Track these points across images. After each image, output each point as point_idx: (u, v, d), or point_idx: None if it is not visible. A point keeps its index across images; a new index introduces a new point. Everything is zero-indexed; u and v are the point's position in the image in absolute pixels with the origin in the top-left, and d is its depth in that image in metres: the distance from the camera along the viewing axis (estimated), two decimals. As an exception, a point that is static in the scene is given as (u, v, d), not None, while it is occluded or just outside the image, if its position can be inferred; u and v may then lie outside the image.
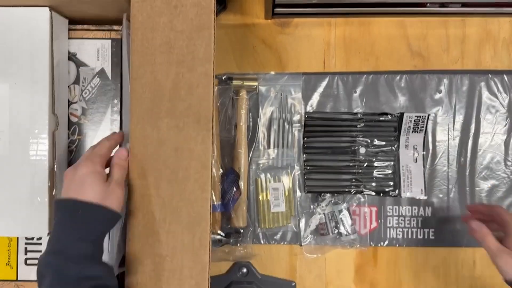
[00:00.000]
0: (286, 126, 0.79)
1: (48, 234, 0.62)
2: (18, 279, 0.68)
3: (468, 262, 0.78)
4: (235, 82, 0.77)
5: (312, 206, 0.79)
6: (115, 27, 0.69)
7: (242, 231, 0.77)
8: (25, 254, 0.68)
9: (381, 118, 0.79)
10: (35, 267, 0.67)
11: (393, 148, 0.79)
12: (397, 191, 0.79)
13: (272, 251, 0.79)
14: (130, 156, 0.58)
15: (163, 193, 0.57)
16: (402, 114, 0.78)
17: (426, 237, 0.79)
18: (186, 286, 0.57)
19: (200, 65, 0.57)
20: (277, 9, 0.75)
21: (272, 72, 0.79)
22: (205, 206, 0.57)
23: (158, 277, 0.57)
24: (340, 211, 0.77)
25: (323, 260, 0.79)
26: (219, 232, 0.76)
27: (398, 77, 0.79)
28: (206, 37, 0.57)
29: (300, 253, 0.79)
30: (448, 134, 0.79)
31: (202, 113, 0.57)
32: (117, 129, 0.69)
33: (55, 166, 0.63)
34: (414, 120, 0.78)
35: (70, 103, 0.69)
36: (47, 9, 0.62)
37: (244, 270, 0.78)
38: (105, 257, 0.67)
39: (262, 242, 0.79)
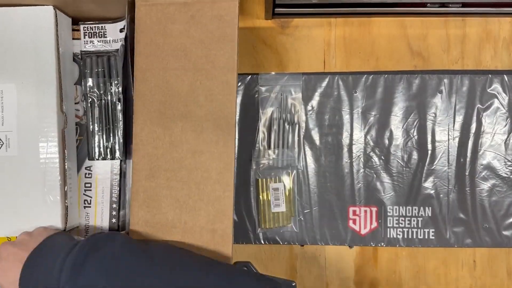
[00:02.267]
0: (286, 126, 0.79)
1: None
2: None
3: (468, 262, 0.78)
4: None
5: None
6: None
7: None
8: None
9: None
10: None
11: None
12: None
13: (272, 251, 0.79)
14: (134, 158, 0.58)
15: (177, 194, 0.58)
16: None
17: (426, 237, 0.79)
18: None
19: (222, 75, 0.58)
20: (277, 9, 0.75)
21: (272, 72, 0.79)
22: (227, 204, 0.58)
23: None
24: None
25: (323, 260, 0.79)
26: (219, 232, 0.76)
27: (398, 77, 0.79)
28: (229, 49, 0.59)
29: (300, 253, 0.79)
30: (448, 134, 0.79)
31: (223, 119, 0.58)
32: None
33: (66, 164, 0.62)
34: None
35: (71, 103, 0.69)
36: (51, 7, 0.62)
37: (245, 270, 0.77)
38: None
39: (263, 242, 0.79)
